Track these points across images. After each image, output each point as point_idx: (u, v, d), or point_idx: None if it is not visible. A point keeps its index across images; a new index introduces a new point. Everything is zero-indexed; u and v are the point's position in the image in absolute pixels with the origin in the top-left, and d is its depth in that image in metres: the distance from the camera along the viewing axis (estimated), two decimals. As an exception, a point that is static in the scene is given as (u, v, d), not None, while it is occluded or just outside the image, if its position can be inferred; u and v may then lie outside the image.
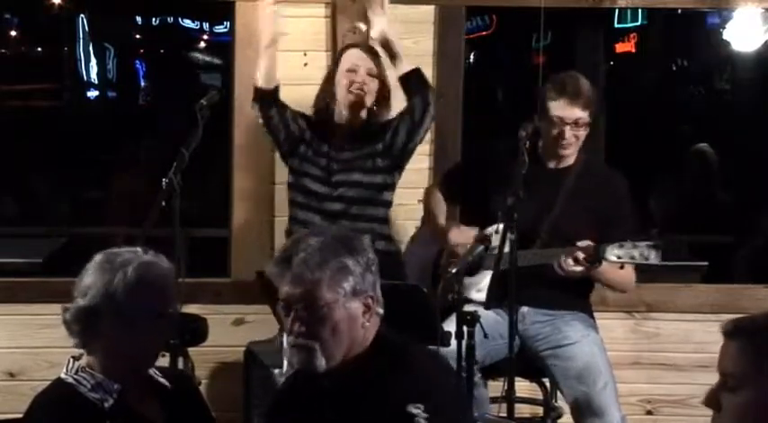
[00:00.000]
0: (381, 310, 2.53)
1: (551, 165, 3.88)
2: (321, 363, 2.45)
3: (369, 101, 4.05)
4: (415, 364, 2.48)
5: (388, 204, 4.12)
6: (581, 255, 3.58)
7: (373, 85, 4.05)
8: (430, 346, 3.62)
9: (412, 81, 4.03)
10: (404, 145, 4.04)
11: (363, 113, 4.07)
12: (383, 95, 4.09)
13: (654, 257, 3.52)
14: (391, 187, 4.12)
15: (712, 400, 2.04)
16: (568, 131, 3.83)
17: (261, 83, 4.07)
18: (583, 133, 3.87)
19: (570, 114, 3.82)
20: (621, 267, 3.61)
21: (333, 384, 2.50)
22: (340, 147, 4.06)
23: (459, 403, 2.58)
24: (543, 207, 3.78)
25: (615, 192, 3.91)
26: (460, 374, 3.32)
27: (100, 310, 2.53)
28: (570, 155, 3.91)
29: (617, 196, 3.90)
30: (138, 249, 2.63)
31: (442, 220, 4.12)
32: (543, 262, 3.67)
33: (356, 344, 2.48)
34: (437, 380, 2.50)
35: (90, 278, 2.56)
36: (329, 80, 4.10)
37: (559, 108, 3.82)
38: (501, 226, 3.65)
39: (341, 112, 4.06)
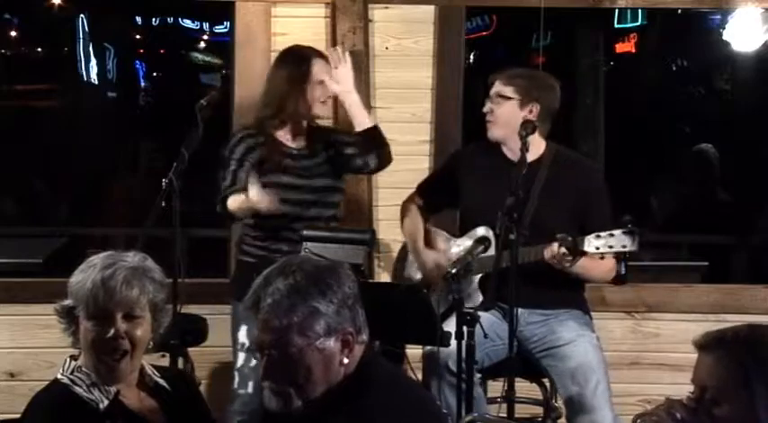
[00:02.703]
0: (365, 337, 2.44)
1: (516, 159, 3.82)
2: (298, 406, 2.38)
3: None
4: (391, 404, 2.41)
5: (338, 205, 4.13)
6: (561, 249, 3.58)
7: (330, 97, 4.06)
8: (431, 347, 3.66)
9: (369, 138, 4.01)
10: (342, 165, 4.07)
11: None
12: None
13: (631, 244, 3.52)
14: (341, 191, 4.13)
15: (704, 412, 2.03)
16: (487, 105, 3.91)
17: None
18: (495, 108, 3.89)
19: (493, 88, 3.91)
20: (602, 258, 3.61)
21: (313, 412, 2.41)
22: (303, 156, 4.01)
23: None
24: (519, 203, 3.75)
25: (588, 181, 3.92)
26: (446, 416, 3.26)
27: (75, 308, 2.58)
28: (496, 134, 3.91)
29: (591, 185, 3.90)
30: (129, 253, 2.64)
31: (419, 238, 4.10)
32: (528, 260, 3.66)
33: (335, 380, 2.39)
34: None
35: (71, 278, 2.61)
36: (296, 83, 3.96)
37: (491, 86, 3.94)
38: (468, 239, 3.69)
39: (301, 121, 4.02)
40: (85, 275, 2.57)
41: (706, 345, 2.06)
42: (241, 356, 3.92)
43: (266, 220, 3.90)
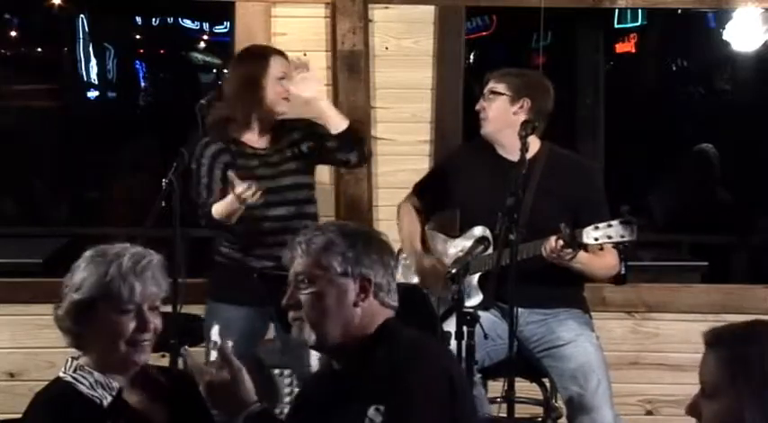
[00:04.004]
0: (392, 302, 2.59)
1: (515, 159, 3.82)
2: (310, 335, 2.53)
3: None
4: (416, 356, 2.47)
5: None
6: (560, 242, 3.58)
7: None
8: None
9: (347, 138, 4.01)
10: (309, 154, 4.04)
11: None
12: None
13: (629, 234, 3.53)
14: (309, 187, 4.11)
15: (694, 408, 2.06)
16: (480, 102, 3.97)
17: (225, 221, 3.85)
18: (487, 104, 3.94)
19: (486, 86, 3.97)
20: (601, 249, 3.62)
21: (339, 368, 2.58)
22: (267, 155, 4.00)
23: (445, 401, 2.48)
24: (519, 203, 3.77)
25: (584, 178, 3.94)
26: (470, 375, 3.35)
27: (96, 301, 2.54)
28: (488, 129, 3.95)
29: (586, 182, 3.92)
30: (127, 244, 2.64)
31: (417, 240, 4.11)
32: (526, 256, 3.66)
33: (350, 324, 2.52)
34: (433, 372, 2.47)
35: (83, 273, 2.57)
36: (254, 81, 3.95)
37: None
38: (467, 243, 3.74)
39: (263, 117, 4.00)
40: (104, 268, 2.55)
41: (707, 341, 2.08)
42: (212, 355, 3.93)
43: (235, 224, 3.90)
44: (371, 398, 2.43)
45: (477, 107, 3.98)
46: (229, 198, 3.74)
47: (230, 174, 3.74)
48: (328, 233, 2.55)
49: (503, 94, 3.92)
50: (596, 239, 3.55)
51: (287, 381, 4.46)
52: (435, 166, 4.38)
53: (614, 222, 3.54)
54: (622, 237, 3.53)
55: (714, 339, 2.06)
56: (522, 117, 3.84)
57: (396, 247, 4.36)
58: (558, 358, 3.82)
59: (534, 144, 3.91)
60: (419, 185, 4.23)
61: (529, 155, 3.82)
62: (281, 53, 4.05)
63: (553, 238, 3.59)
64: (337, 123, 3.99)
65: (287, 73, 3.99)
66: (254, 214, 3.89)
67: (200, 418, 2.77)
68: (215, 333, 3.95)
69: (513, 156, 3.80)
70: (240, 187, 3.66)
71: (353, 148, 4.03)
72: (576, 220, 3.68)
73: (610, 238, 3.54)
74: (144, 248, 2.64)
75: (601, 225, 3.55)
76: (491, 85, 3.96)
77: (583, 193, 3.87)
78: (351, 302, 2.52)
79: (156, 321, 2.61)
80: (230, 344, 2.66)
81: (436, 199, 4.15)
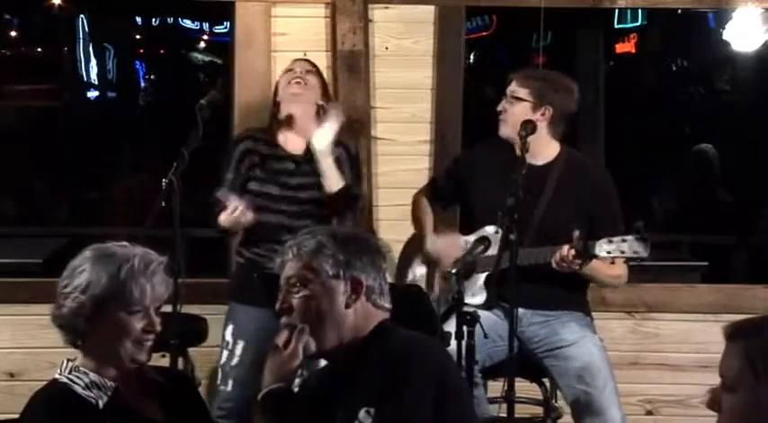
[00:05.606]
0: (385, 305, 2.57)
1: (533, 161, 3.83)
2: (309, 345, 2.52)
3: (312, 97, 4.00)
4: (408, 358, 2.47)
5: None
6: (572, 252, 3.57)
7: (313, 81, 4.01)
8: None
9: (338, 200, 3.99)
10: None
11: (309, 112, 4.00)
12: (327, 97, 4.08)
13: (643, 250, 3.52)
14: None
15: (714, 401, 2.06)
16: (502, 103, 3.94)
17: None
18: (509, 107, 3.91)
19: (509, 87, 3.94)
20: (612, 262, 3.61)
21: (336, 368, 2.59)
22: (293, 160, 4.01)
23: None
24: (529, 205, 3.77)
25: (600, 186, 3.93)
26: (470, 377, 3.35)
27: (107, 301, 2.53)
28: (506, 130, 3.92)
29: (602, 191, 3.91)
30: (125, 243, 2.63)
31: (429, 228, 4.11)
32: (536, 261, 3.66)
33: (344, 326, 2.52)
34: (423, 370, 2.46)
35: (89, 273, 2.55)
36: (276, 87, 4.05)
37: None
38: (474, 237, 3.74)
39: (291, 125, 4.00)
40: (113, 269, 2.54)
41: (726, 334, 2.08)
42: (224, 354, 3.96)
43: (255, 228, 3.92)
44: (363, 400, 2.43)
45: (499, 108, 3.95)
46: (222, 214, 3.82)
47: (218, 194, 3.82)
48: (319, 236, 2.55)
49: (525, 100, 3.89)
50: (609, 252, 3.54)
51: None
52: (453, 162, 4.34)
53: (629, 237, 3.52)
54: (635, 252, 3.52)
55: (733, 332, 2.06)
56: (543, 123, 3.84)
57: (397, 247, 4.39)
58: (563, 358, 3.81)
59: (554, 147, 3.91)
60: (435, 181, 4.22)
61: (548, 158, 3.86)
62: (305, 59, 4.14)
63: (566, 247, 3.58)
64: (333, 184, 3.96)
65: (295, 65, 4.04)
66: (269, 220, 3.92)
67: (197, 418, 2.78)
68: (229, 333, 3.99)
69: (533, 159, 3.80)
70: (231, 206, 3.74)
71: (344, 209, 4.01)
72: (590, 229, 3.67)
73: (623, 252, 3.53)
74: (146, 249, 2.64)
75: (615, 239, 3.53)
76: (513, 87, 3.92)
77: (599, 202, 3.85)
78: (342, 305, 2.52)
79: (158, 322, 2.61)
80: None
81: (449, 195, 4.15)
